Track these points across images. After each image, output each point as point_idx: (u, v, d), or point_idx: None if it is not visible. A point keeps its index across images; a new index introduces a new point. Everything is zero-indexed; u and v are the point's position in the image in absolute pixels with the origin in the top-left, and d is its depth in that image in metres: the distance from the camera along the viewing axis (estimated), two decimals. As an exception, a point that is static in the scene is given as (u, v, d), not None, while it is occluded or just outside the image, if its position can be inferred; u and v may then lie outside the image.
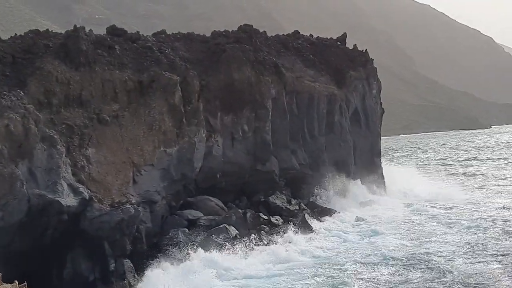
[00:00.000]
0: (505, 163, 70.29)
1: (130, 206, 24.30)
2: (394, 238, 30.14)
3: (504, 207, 37.40)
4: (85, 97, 26.43)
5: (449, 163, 77.99)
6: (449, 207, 38.90)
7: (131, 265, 23.97)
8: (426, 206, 39.88)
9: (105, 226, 23.21)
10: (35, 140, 22.38)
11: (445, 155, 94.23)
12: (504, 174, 57.98)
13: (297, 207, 34.66)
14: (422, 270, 23.90)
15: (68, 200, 22.37)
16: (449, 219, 34.84)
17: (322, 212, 35.97)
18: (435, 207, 39.54)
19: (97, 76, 27.30)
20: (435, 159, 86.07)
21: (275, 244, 28.48)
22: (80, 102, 26.16)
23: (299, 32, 45.33)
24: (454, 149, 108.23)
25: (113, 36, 31.66)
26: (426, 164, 78.60)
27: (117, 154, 26.50)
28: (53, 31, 31.47)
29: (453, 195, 43.77)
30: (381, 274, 23.60)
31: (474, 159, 79.83)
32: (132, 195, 26.15)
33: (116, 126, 27.09)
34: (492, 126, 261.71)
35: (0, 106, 21.91)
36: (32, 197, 21.31)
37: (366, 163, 43.42)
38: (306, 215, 32.98)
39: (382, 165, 46.64)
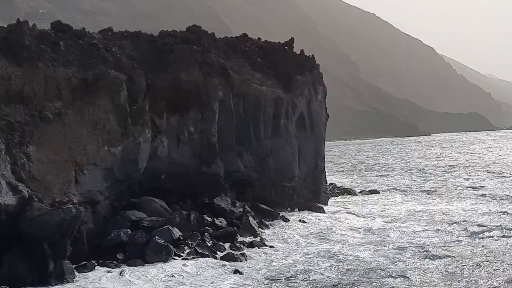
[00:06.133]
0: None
1: (71, 206, 23.71)
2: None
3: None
4: (27, 94, 25.64)
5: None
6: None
7: (71, 266, 23.46)
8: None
9: (45, 226, 22.57)
10: (-28, 136, 21.60)
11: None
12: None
13: (241, 209, 34.78)
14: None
15: (7, 198, 21.68)
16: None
17: (266, 215, 36.30)
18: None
19: (40, 72, 26.57)
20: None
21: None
22: (21, 99, 25.35)
23: (247, 35, 45.52)
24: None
25: (57, 32, 30.86)
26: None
27: (59, 153, 25.87)
28: (-6, 24, 30.42)
29: None
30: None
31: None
32: (74, 195, 25.60)
33: (58, 124, 26.44)
34: (432, 134, 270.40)
35: None
36: (-32, 195, 20.55)
37: (310, 167, 44.02)
38: (250, 217, 33.15)
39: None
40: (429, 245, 29.65)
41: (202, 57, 36.04)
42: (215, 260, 26.86)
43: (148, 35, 37.83)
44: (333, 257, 27.35)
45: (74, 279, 22.96)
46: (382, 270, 24.60)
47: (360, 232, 33.90)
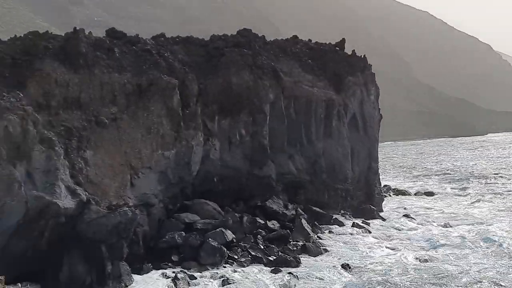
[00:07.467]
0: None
1: (127, 209, 24.30)
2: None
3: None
4: (83, 100, 26.44)
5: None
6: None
7: (128, 268, 23.94)
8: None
9: (102, 229, 23.18)
10: (33, 141, 22.41)
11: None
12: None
13: (293, 212, 34.64)
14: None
15: (66, 202, 22.37)
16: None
17: (319, 218, 36.02)
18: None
19: (96, 78, 27.32)
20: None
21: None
22: (78, 105, 26.15)
23: (298, 37, 45.37)
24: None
25: (112, 39, 31.65)
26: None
27: (115, 157, 26.52)
28: (52, 33, 31.44)
29: None
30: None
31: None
32: (130, 198, 26.17)
33: (114, 129, 27.10)
34: (488, 134, 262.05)
35: (-1, 107, 21.91)
36: (30, 199, 21.31)
37: (364, 168, 43.43)
38: (303, 220, 32.95)
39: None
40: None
41: (252, 60, 36.17)
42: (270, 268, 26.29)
43: (199, 39, 38.25)
44: (408, 269, 25.46)
45: (131, 282, 23.35)
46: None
47: (426, 240, 32.10)
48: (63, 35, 29.40)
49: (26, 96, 23.85)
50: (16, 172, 21.28)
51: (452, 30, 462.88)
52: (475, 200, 48.16)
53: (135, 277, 23.94)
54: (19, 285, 16.03)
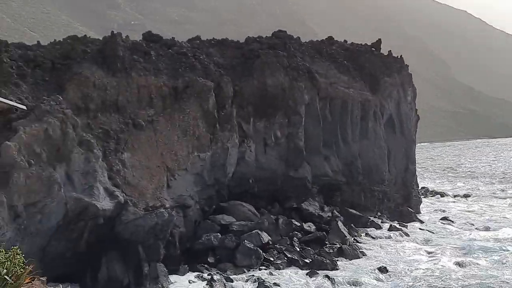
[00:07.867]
0: None
1: (164, 210, 24.49)
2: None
3: None
4: (121, 103, 26.83)
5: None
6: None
7: (165, 269, 24.11)
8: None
9: (139, 230, 23.43)
10: (72, 144, 22.82)
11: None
12: None
13: (330, 214, 34.36)
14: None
15: (104, 203, 22.70)
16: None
17: (355, 220, 35.63)
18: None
19: (133, 81, 27.69)
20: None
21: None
22: (116, 107, 26.56)
23: (333, 38, 45.03)
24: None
25: (149, 42, 32.06)
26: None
27: (151, 159, 26.79)
28: (90, 37, 32.02)
29: None
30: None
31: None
32: (166, 199, 26.39)
33: (151, 131, 27.41)
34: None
35: (39, 110, 22.38)
36: (69, 200, 21.68)
37: (401, 170, 42.83)
38: (339, 222, 32.63)
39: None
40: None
41: (287, 62, 36.05)
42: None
43: (234, 42, 38.34)
44: (448, 274, 24.28)
45: (168, 284, 23.46)
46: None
47: (466, 244, 30.83)
48: (101, 39, 29.92)
49: (65, 99, 24.32)
50: (56, 174, 21.67)
51: (491, 29, 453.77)
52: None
53: (171, 278, 24.06)
54: (61, 286, 16.34)
